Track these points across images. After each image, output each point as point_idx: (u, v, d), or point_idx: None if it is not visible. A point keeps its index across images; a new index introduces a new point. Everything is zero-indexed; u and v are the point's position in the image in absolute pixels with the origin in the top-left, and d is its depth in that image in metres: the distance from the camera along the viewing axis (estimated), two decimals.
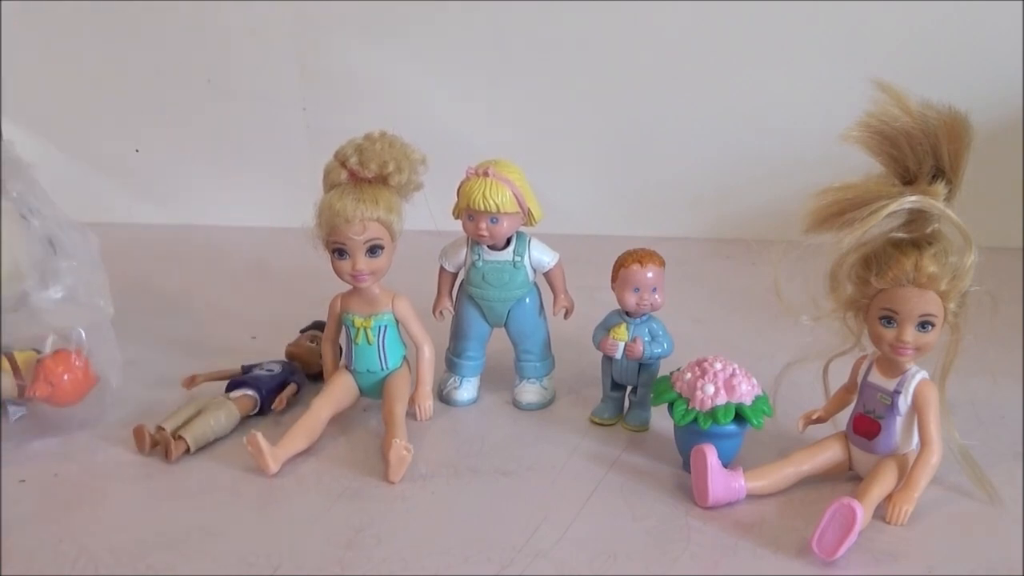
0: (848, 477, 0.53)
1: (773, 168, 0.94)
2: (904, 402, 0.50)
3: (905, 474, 0.50)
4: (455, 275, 0.63)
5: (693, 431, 0.52)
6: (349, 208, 0.54)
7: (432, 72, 0.98)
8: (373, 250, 0.55)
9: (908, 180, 0.48)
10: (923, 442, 0.49)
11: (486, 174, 0.57)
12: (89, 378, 0.58)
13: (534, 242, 0.61)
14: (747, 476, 0.50)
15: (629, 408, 0.61)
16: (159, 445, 0.56)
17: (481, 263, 0.60)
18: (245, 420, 0.59)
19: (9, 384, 0.57)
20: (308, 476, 0.54)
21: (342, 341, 0.61)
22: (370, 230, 0.54)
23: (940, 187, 0.47)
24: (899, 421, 0.50)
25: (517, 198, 0.58)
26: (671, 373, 0.56)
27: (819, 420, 0.55)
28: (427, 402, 0.60)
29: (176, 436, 0.56)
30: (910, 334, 0.48)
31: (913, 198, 0.46)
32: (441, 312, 0.63)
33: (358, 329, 0.58)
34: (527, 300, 0.61)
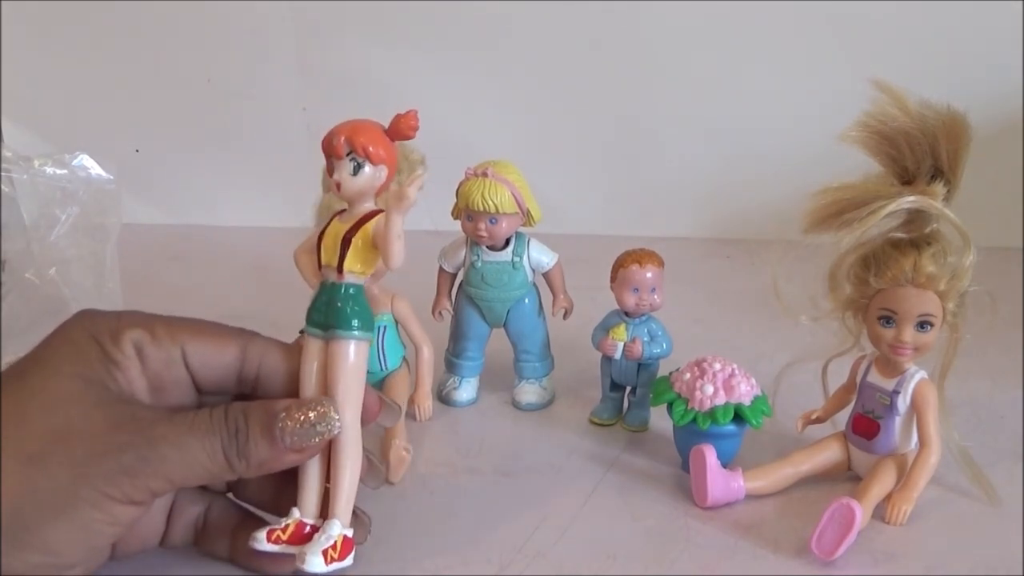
0: (847, 477, 0.53)
1: (773, 168, 0.94)
2: (903, 402, 0.50)
3: (904, 474, 0.50)
4: (454, 275, 0.63)
5: (692, 431, 0.52)
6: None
7: (432, 72, 0.98)
8: None
9: (907, 180, 0.48)
10: (922, 442, 0.49)
11: (485, 175, 0.57)
12: None
13: (533, 242, 0.61)
14: (746, 476, 0.50)
15: (628, 408, 0.61)
16: None
17: (480, 263, 0.60)
18: None
19: None
20: None
21: None
22: None
23: (939, 187, 0.47)
24: (898, 421, 0.50)
25: (516, 199, 0.58)
26: (670, 373, 0.56)
27: (818, 420, 0.55)
28: (427, 402, 0.60)
29: None
30: (909, 334, 0.48)
31: (911, 198, 0.46)
32: (440, 312, 0.63)
33: None
34: (526, 300, 0.61)
